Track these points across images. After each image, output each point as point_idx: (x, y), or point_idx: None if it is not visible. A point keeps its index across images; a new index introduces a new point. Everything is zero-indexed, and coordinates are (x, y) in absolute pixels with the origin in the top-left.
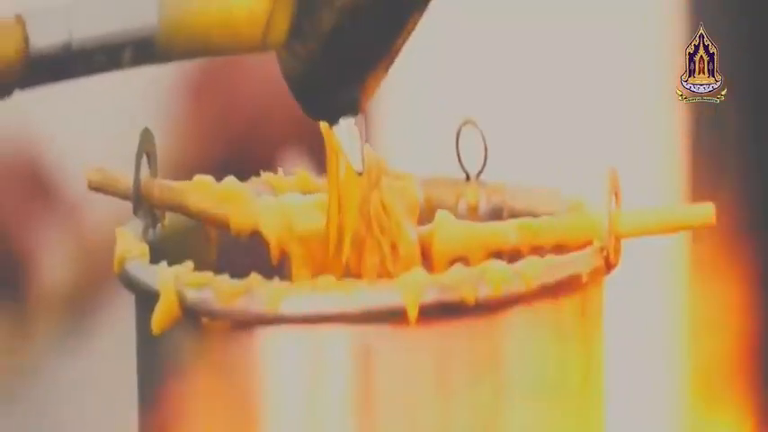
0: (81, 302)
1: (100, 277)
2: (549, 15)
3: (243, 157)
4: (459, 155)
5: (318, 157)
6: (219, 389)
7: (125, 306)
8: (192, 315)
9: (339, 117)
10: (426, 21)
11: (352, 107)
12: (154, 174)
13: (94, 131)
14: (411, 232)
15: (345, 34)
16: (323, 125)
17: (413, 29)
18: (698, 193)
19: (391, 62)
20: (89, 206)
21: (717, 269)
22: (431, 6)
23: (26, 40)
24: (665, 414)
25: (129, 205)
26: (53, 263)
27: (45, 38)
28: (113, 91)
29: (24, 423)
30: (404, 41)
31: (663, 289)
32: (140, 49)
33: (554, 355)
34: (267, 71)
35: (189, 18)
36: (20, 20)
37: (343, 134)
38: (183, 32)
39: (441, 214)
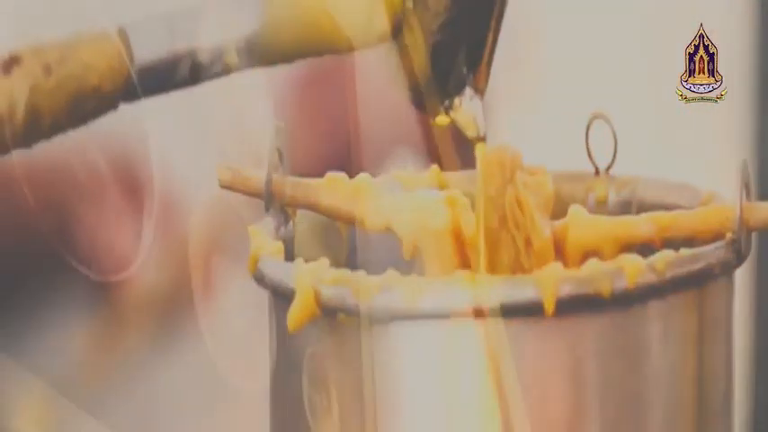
0: (176, 305)
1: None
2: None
3: (348, 158)
4: (588, 149)
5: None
6: (356, 384)
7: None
8: (328, 312)
9: (453, 99)
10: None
11: (466, 86)
12: (285, 171)
13: (192, 133)
14: (545, 227)
15: (457, 17)
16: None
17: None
18: None
19: (496, 38)
20: (185, 208)
21: None
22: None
23: (130, 51)
24: None
25: (225, 206)
26: (148, 265)
27: (149, 48)
28: (209, 93)
29: (119, 421)
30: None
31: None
32: (245, 51)
33: (687, 348)
34: (371, 74)
35: (292, 12)
36: (122, 31)
37: (464, 107)
38: (288, 28)
39: (574, 209)
